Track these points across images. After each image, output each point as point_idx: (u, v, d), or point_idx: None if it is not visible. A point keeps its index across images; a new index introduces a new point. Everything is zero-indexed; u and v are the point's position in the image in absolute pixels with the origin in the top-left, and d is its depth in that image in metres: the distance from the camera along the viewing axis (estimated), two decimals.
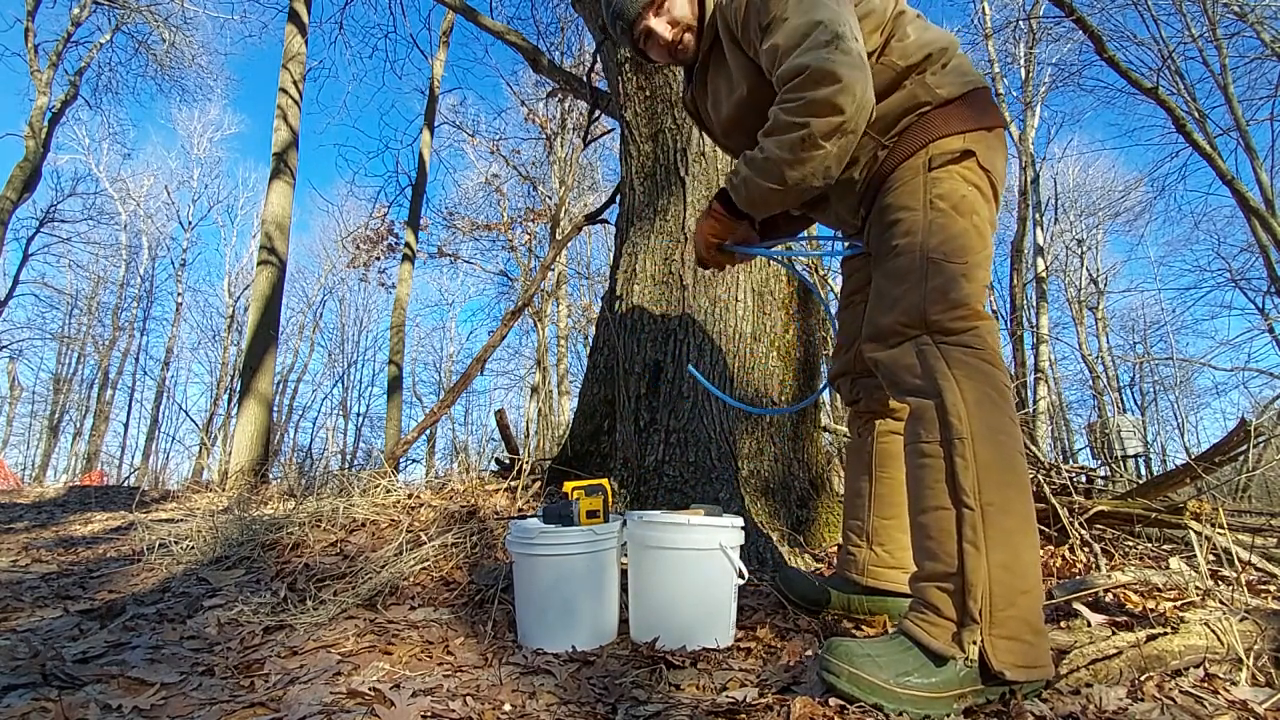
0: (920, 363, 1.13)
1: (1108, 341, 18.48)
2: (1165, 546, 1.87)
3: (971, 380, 1.09)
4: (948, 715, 1.00)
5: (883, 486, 1.47)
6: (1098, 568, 1.69)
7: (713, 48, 1.38)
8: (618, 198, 2.81)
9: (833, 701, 1.02)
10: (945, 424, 1.08)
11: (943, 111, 1.19)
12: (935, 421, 1.10)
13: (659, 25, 1.37)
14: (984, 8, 12.09)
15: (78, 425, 20.67)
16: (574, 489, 1.50)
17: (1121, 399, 18.38)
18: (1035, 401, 10.90)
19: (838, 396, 1.60)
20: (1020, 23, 10.78)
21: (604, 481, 1.52)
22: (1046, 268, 13.41)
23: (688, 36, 1.38)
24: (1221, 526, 1.65)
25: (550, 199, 14.38)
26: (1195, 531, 1.68)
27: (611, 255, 2.82)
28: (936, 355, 1.11)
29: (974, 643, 1.01)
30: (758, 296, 2.32)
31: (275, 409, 17.05)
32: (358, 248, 12.64)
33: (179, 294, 21.40)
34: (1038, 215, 12.86)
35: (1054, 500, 1.92)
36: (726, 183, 1.30)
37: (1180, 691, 1.05)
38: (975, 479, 1.04)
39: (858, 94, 1.11)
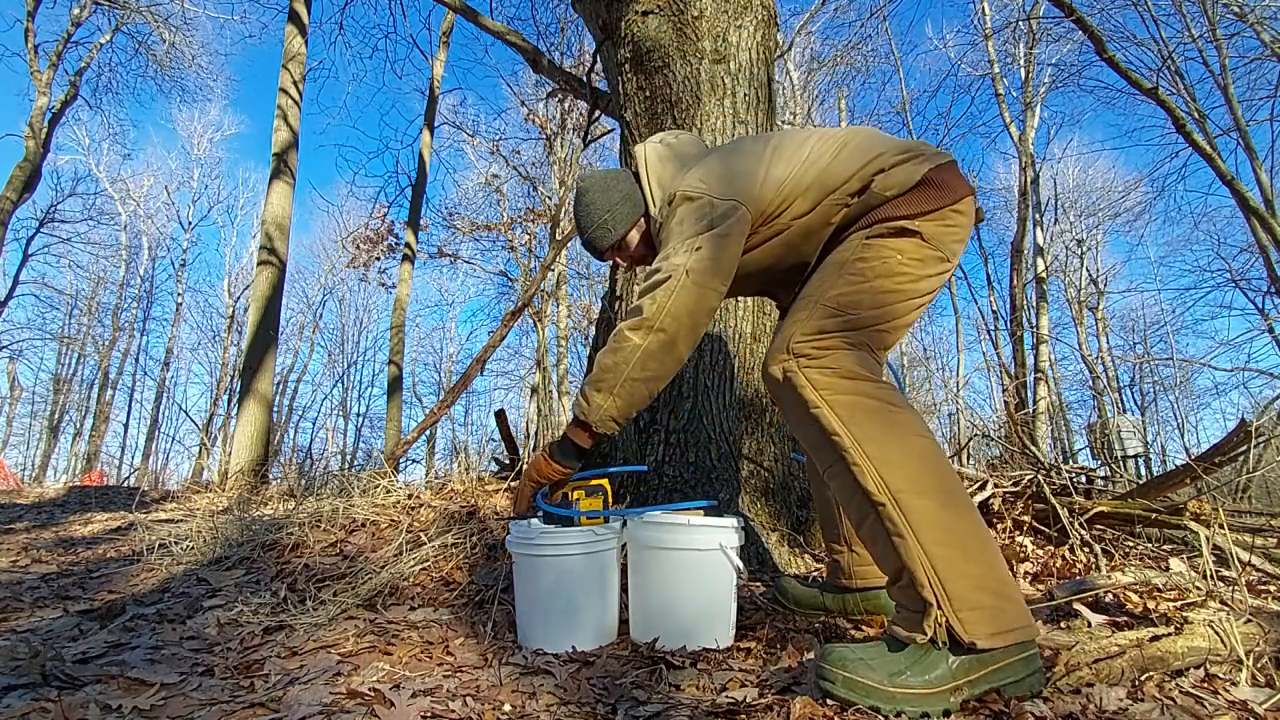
0: (790, 391, 1.19)
1: (1108, 342, 18.49)
2: (1165, 547, 1.87)
3: (838, 395, 1.14)
4: (947, 713, 1.00)
5: None
6: (1098, 568, 1.69)
7: None
8: None
9: (831, 701, 1.02)
10: (829, 444, 1.13)
11: (893, 202, 1.25)
12: (823, 446, 1.15)
13: (621, 259, 1.55)
14: (984, 8, 12.09)
15: (78, 425, 20.67)
16: (574, 489, 1.50)
17: (1121, 399, 18.38)
18: (1035, 401, 10.90)
19: None
20: (1020, 23, 10.77)
21: (604, 481, 1.52)
22: (1046, 268, 13.40)
23: (648, 256, 1.54)
24: (1221, 527, 1.65)
25: (550, 199, 14.38)
26: (1197, 532, 1.68)
27: None
28: (804, 383, 1.17)
29: (938, 624, 1.03)
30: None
31: (275, 409, 17.05)
32: (358, 248, 12.63)
33: (179, 294, 21.41)
34: (1038, 215, 12.86)
35: (1054, 500, 1.92)
36: (572, 415, 1.37)
37: (1180, 692, 1.05)
38: (875, 476, 1.08)
39: (657, 299, 1.25)
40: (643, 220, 1.47)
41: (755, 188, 1.29)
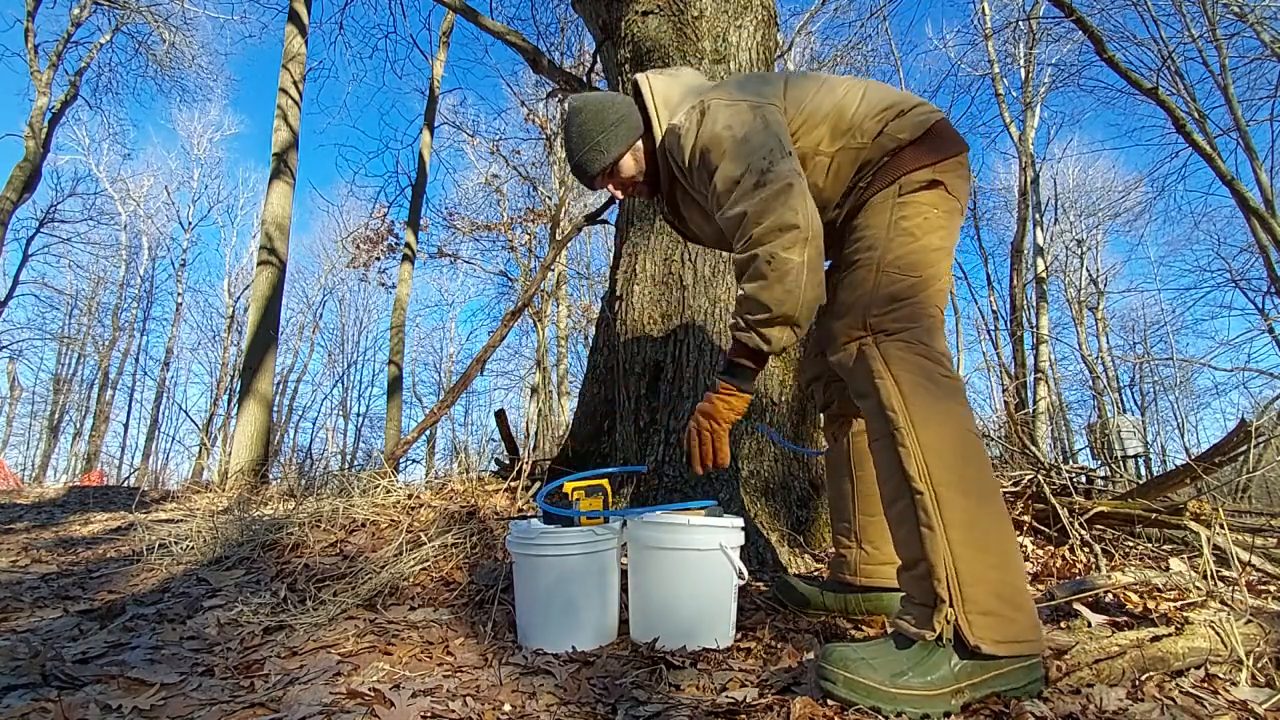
0: (861, 363, 1.19)
1: (1108, 342, 18.49)
2: (1165, 547, 1.87)
3: (906, 373, 1.14)
4: (948, 714, 1.00)
5: (864, 485, 1.50)
6: (1098, 568, 1.69)
7: (673, 176, 1.46)
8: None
9: (832, 702, 1.02)
10: (884, 417, 1.13)
11: (910, 149, 1.27)
12: (877, 417, 1.15)
13: (612, 186, 1.49)
14: (984, 8, 12.09)
15: (78, 425, 20.67)
16: (574, 489, 1.50)
17: (1121, 399, 18.38)
18: (1035, 401, 10.89)
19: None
20: (1020, 23, 10.77)
21: (604, 482, 1.52)
22: (1046, 268, 13.40)
23: (640, 184, 1.50)
24: (1222, 527, 1.65)
25: (550, 199, 14.38)
26: (1197, 533, 1.68)
27: (611, 255, 2.82)
28: (875, 355, 1.17)
29: (947, 621, 1.03)
30: None
31: (275, 409, 17.05)
32: (358, 248, 12.62)
33: (179, 294, 21.40)
34: (1038, 215, 12.86)
35: (1054, 500, 1.92)
36: (740, 347, 1.29)
37: (1180, 692, 1.05)
38: (921, 463, 1.08)
39: (798, 208, 1.18)
40: (639, 144, 1.43)
41: (779, 101, 1.31)
